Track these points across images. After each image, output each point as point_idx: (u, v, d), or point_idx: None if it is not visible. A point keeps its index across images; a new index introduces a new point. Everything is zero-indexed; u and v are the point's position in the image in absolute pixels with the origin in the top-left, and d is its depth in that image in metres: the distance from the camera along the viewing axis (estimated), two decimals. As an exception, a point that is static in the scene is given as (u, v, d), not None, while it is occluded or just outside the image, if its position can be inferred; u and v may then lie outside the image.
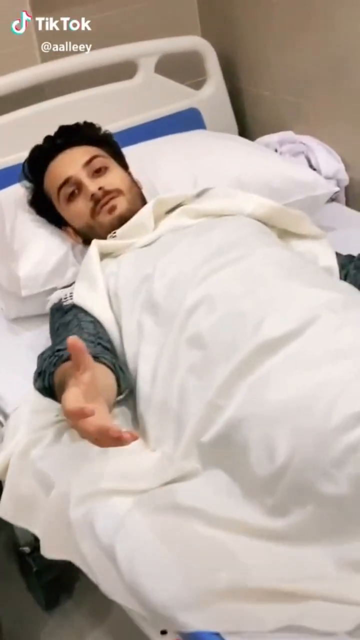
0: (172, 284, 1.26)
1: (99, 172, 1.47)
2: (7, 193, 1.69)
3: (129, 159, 1.61)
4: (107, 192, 1.44)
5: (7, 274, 1.55)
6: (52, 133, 1.56)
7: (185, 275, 1.26)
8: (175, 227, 1.43)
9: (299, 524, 0.98)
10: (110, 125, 1.75)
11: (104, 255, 1.42)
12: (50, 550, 1.15)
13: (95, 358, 1.14)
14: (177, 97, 2.01)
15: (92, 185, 1.45)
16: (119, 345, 1.28)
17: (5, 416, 1.34)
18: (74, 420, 0.90)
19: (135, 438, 0.90)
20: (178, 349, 1.18)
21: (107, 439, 0.89)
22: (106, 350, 1.22)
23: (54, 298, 1.42)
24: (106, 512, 1.06)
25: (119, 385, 1.18)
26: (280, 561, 0.96)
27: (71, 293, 1.37)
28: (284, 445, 1.00)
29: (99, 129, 1.58)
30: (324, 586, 0.93)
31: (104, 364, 1.16)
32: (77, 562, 1.09)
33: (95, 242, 1.42)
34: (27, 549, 1.64)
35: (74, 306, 1.34)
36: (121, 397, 1.23)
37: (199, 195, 1.51)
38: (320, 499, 0.97)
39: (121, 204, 1.45)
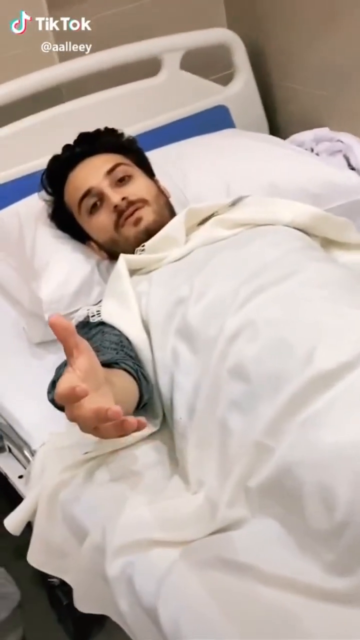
0: (209, 308, 1.17)
1: (122, 181, 1.40)
2: (26, 204, 1.61)
3: (154, 164, 1.53)
4: (131, 203, 1.37)
5: (28, 294, 1.47)
6: (72, 137, 1.49)
7: (223, 298, 1.17)
8: (209, 239, 1.35)
9: None
10: (134, 126, 1.73)
11: (132, 272, 1.34)
12: (85, 604, 1.08)
13: (116, 364, 1.08)
14: (204, 95, 1.93)
15: (115, 196, 1.37)
16: (151, 372, 1.20)
17: (32, 452, 1.26)
18: (68, 407, 0.83)
19: (142, 425, 0.83)
20: (218, 381, 1.10)
21: (109, 426, 0.82)
22: (129, 357, 1.14)
23: (80, 315, 1.33)
24: (146, 567, 0.98)
25: (140, 396, 1.11)
26: (345, 627, 0.87)
27: (98, 310, 1.29)
28: (343, 497, 0.91)
29: (122, 134, 1.51)
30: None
31: (125, 369, 1.09)
32: (115, 619, 1.02)
33: (123, 257, 1.34)
34: (56, 581, 1.57)
35: (101, 323, 1.26)
36: (142, 406, 1.16)
37: (233, 203, 1.42)
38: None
39: (147, 215, 1.37)
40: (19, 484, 1.34)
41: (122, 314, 1.25)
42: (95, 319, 1.27)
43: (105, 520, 1.04)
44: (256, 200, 1.42)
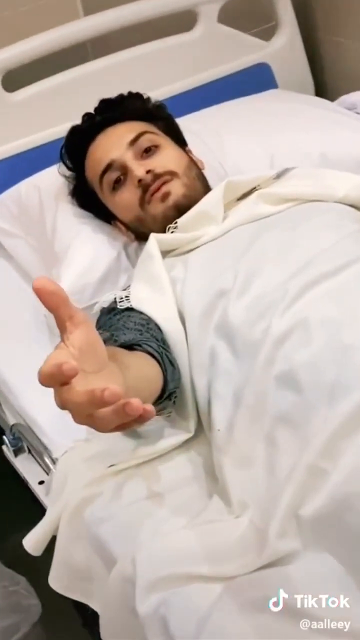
0: (254, 304, 1.05)
1: (148, 152, 1.28)
2: (47, 176, 1.48)
3: (187, 131, 1.41)
4: (157, 176, 1.25)
5: (52, 278, 1.35)
6: (97, 99, 1.37)
7: (270, 292, 1.05)
8: (251, 216, 1.22)
9: None
10: (165, 88, 1.64)
11: (164, 253, 1.22)
12: (111, 635, 0.98)
13: (137, 346, 0.96)
14: (244, 51, 1.78)
15: (139, 169, 1.25)
16: (186, 368, 1.08)
17: (53, 460, 1.16)
18: (56, 391, 0.67)
19: (149, 413, 0.66)
20: (264, 390, 0.98)
21: (107, 413, 0.65)
22: (153, 339, 1.02)
23: (106, 300, 1.19)
24: (183, 606, 0.87)
25: (165, 383, 0.98)
26: None
27: (127, 295, 1.16)
28: None
29: (148, 99, 1.38)
30: None
31: (148, 352, 0.96)
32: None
33: (153, 237, 1.21)
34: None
35: (128, 309, 1.13)
36: (167, 402, 1.02)
37: (278, 176, 1.28)
38: None
39: (176, 189, 1.25)
40: (39, 491, 1.24)
41: (154, 299, 1.13)
42: (124, 305, 1.15)
43: (135, 548, 0.93)
44: (304, 172, 1.29)
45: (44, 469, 1.20)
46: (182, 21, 1.72)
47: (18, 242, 1.50)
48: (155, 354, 0.98)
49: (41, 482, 1.25)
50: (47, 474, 1.18)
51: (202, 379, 1.06)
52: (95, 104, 1.38)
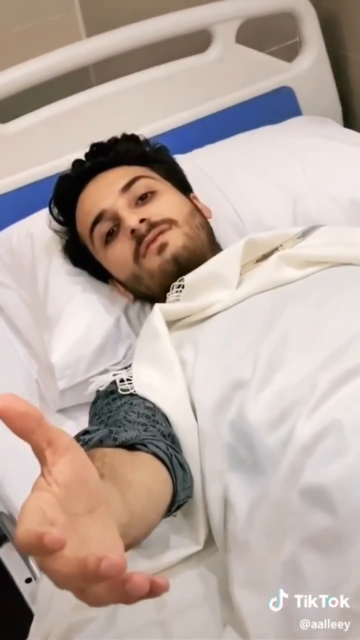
0: (277, 400, 0.90)
1: (144, 199, 1.17)
2: (41, 220, 1.34)
3: (196, 169, 1.32)
4: (153, 225, 1.13)
5: (42, 344, 1.22)
6: (101, 130, 1.28)
7: (296, 385, 0.90)
8: (272, 281, 1.08)
9: None
10: (176, 116, 1.57)
11: (169, 324, 1.09)
12: None
13: (142, 445, 0.83)
14: (264, 74, 1.65)
15: (131, 218, 1.13)
16: (197, 472, 0.94)
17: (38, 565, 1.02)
18: (40, 559, 0.51)
19: (163, 589, 0.50)
20: (286, 504, 0.84)
21: (102, 590, 0.50)
22: (161, 436, 0.90)
23: (103, 380, 1.07)
24: None
25: (174, 493, 0.84)
26: None
27: (130, 378, 1.03)
28: None
29: (145, 142, 1.28)
30: None
31: (154, 454, 0.83)
32: None
33: (158, 308, 1.08)
34: None
35: (132, 394, 1.00)
36: (174, 513, 0.89)
37: (304, 234, 1.15)
38: None
39: (175, 240, 1.13)
40: (25, 591, 1.10)
41: (161, 385, 0.99)
42: (125, 388, 1.01)
43: None
44: (331, 231, 1.16)
45: (30, 570, 1.07)
46: (196, 42, 1.59)
47: (10, 293, 1.37)
48: (164, 457, 0.84)
49: (28, 581, 1.11)
50: (33, 577, 1.04)
51: (215, 486, 0.92)
52: (99, 134, 1.27)
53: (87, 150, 1.27)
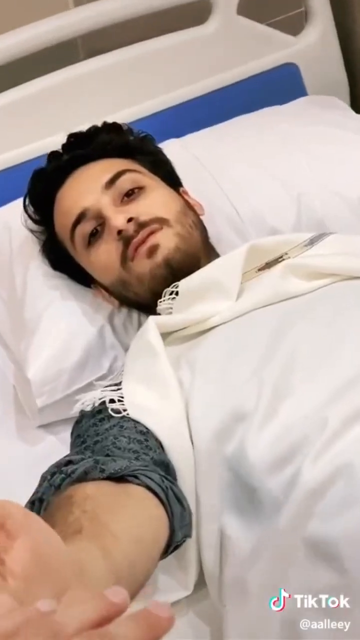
0: (282, 437, 0.83)
1: (130, 195, 1.09)
2: (21, 209, 1.24)
3: (189, 156, 1.27)
4: (142, 225, 1.05)
5: (19, 355, 1.15)
6: (89, 108, 1.28)
7: (303, 419, 0.83)
8: (277, 294, 1.00)
9: None
10: (170, 94, 1.52)
11: (163, 335, 1.01)
12: None
13: (133, 477, 0.76)
14: (267, 49, 1.55)
15: (117, 217, 1.05)
16: (195, 515, 0.87)
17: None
18: None
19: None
20: (288, 555, 0.79)
21: None
22: (154, 465, 0.82)
23: (91, 398, 0.98)
24: None
25: (172, 530, 0.78)
26: None
27: (121, 397, 0.95)
28: None
29: (129, 131, 1.19)
30: None
31: (147, 487, 0.76)
32: None
33: (153, 321, 1.00)
34: None
35: (123, 418, 0.92)
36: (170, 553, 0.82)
37: (312, 242, 1.07)
38: None
39: (166, 241, 1.06)
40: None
41: (157, 408, 0.92)
42: (116, 408, 0.92)
43: None
44: (343, 239, 1.08)
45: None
46: (194, 13, 1.50)
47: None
48: (158, 490, 0.77)
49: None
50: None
51: (211, 527, 0.86)
52: (87, 113, 1.22)
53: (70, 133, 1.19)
